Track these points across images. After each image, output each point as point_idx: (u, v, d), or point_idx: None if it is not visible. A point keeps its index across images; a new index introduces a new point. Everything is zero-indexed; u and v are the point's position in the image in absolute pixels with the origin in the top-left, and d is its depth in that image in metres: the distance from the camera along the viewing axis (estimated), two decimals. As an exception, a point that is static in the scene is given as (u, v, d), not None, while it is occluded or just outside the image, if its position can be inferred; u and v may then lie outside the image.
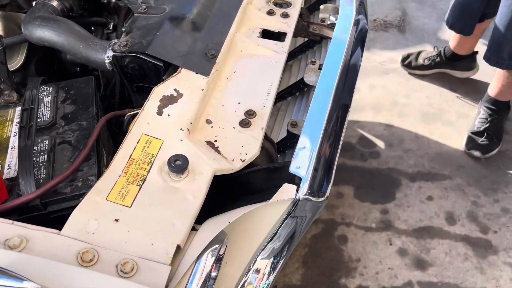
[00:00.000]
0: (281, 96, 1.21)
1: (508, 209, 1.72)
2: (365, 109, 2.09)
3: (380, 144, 1.95)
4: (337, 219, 1.69)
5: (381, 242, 1.63)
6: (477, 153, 1.87)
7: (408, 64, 2.26)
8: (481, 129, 1.91)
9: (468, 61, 2.16)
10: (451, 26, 1.96)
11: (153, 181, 0.71)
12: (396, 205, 1.73)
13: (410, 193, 1.77)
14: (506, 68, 1.75)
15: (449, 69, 2.20)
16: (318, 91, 0.96)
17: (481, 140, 1.88)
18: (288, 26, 1.11)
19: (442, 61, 2.19)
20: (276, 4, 1.18)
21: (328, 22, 1.23)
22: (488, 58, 1.76)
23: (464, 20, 1.91)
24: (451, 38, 2.15)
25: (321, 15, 1.25)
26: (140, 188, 0.69)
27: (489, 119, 1.91)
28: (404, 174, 1.83)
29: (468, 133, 1.93)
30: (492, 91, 1.92)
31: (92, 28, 1.27)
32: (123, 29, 0.96)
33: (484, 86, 2.02)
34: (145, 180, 0.70)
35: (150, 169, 0.72)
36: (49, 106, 0.86)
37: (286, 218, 0.76)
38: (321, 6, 1.26)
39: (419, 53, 2.27)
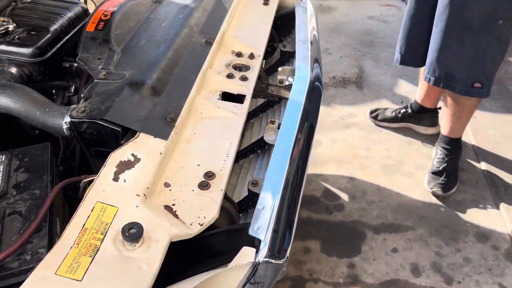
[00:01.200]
0: (244, 154, 1.23)
1: (469, 258, 1.75)
2: (328, 162, 2.14)
3: (344, 196, 1.98)
4: (304, 276, 1.67)
5: (349, 297, 1.61)
6: (439, 191, 1.97)
7: (376, 116, 2.38)
8: (440, 168, 2.02)
9: (432, 115, 2.28)
10: (402, 62, 2.05)
11: (106, 251, 0.68)
12: (362, 258, 1.74)
13: (375, 246, 1.78)
14: (444, 87, 1.86)
15: (414, 124, 2.31)
16: (276, 150, 0.98)
17: (441, 179, 1.99)
18: (247, 88, 1.15)
19: (408, 114, 2.31)
20: (235, 68, 1.23)
21: (286, 83, 1.29)
22: (428, 79, 1.88)
23: (411, 51, 2.00)
24: (418, 90, 2.27)
25: (279, 77, 1.31)
26: (93, 259, 0.67)
27: (446, 159, 2.04)
28: (368, 226, 1.85)
29: (429, 173, 2.04)
30: (444, 130, 2.08)
31: (53, 91, 1.27)
32: (82, 95, 0.97)
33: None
34: (98, 250, 0.68)
35: (103, 239, 0.70)
36: (1, 175, 0.83)
37: (246, 283, 0.75)
38: (279, 68, 1.32)
39: (386, 108, 2.40)
